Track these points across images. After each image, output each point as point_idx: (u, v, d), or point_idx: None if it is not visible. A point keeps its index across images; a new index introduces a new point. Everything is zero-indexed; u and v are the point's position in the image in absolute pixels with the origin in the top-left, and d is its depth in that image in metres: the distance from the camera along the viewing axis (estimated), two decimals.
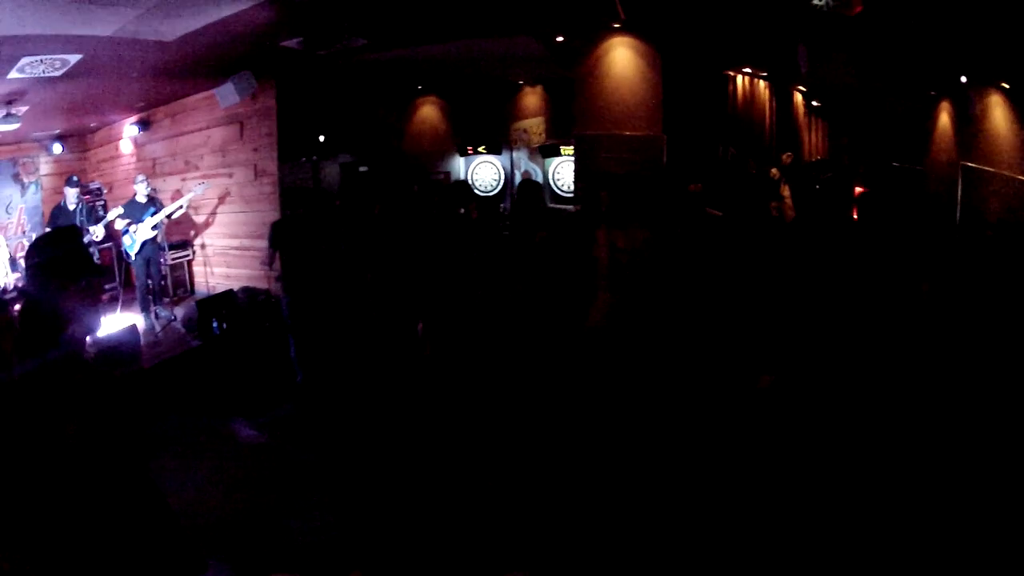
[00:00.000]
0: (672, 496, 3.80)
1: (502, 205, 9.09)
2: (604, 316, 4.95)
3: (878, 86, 10.31)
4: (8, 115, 7.60)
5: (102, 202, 10.21)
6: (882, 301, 4.04)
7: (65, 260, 2.34)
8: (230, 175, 8.80)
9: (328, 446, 5.41)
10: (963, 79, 8.77)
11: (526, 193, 6.83)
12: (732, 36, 7.88)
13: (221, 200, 8.96)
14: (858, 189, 8.55)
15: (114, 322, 8.19)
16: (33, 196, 11.35)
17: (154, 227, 8.31)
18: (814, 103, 11.70)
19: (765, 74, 10.02)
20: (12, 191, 11.14)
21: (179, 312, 8.47)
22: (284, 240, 6.75)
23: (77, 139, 11.67)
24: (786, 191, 8.71)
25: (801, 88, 11.13)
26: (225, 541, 4.08)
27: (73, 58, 6.15)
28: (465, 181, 8.06)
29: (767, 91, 10.15)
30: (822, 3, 6.16)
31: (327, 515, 4.25)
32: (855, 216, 8.36)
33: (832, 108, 12.00)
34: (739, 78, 9.59)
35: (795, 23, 7.14)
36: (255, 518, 4.37)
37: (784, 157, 9.53)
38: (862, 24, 6.74)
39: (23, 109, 7.83)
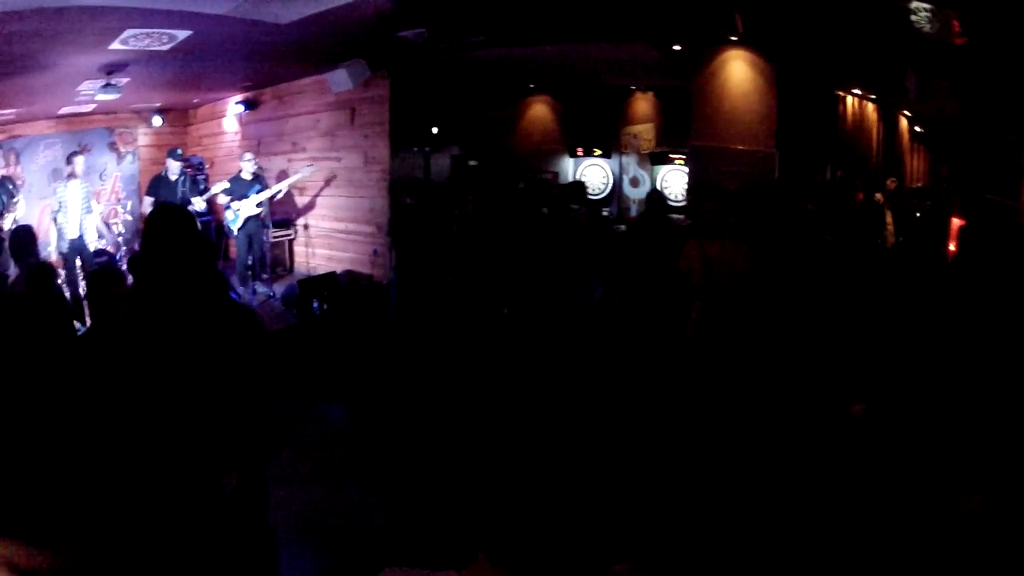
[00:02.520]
0: (760, 510, 3.73)
1: (607, 209, 9.05)
2: (696, 331, 4.90)
3: (980, 117, 10.09)
4: (108, 85, 7.67)
5: (203, 176, 10.40)
6: (983, 339, 3.93)
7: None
8: (338, 159, 8.89)
9: (417, 432, 5.32)
10: None
11: (653, 207, 6.81)
12: (845, 56, 7.75)
13: (328, 184, 9.06)
14: (956, 221, 8.38)
15: None
16: (130, 165, 11.56)
17: (258, 204, 8.42)
18: (917, 129, 11.47)
19: (874, 96, 9.84)
20: (108, 159, 11.37)
21: (278, 289, 8.56)
22: (401, 232, 6.79)
23: (178, 113, 11.89)
24: (889, 217, 8.57)
25: (906, 113, 10.91)
26: (316, 529, 4.09)
27: (181, 34, 6.11)
28: (581, 182, 8.02)
29: (875, 114, 9.97)
30: (928, 30, 6.05)
31: (423, 501, 4.22)
32: (953, 247, 8.21)
33: (934, 136, 11.76)
34: (849, 99, 9.43)
35: (905, 47, 7.00)
36: (340, 505, 4.36)
37: (889, 182, 9.35)
38: (967, 54, 6.62)
39: (124, 80, 7.90)
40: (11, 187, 8.51)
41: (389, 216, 7.95)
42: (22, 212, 8.29)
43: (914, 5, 5.47)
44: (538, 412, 5.07)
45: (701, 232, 5.23)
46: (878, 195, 8.79)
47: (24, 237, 6.75)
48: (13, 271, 7.89)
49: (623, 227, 7.87)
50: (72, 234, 8.34)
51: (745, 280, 4.87)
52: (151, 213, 2.75)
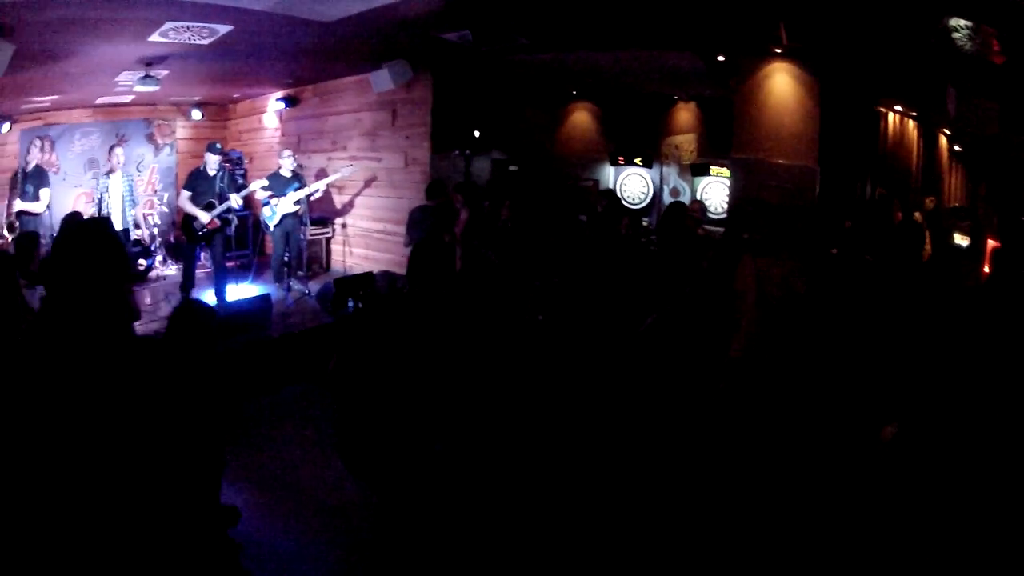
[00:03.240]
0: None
1: (646, 219, 9.03)
2: (745, 348, 4.79)
3: (1019, 136, 10.02)
4: (147, 77, 7.71)
5: (242, 171, 10.48)
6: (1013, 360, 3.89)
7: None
8: (379, 160, 8.93)
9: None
10: None
11: (673, 216, 6.78)
12: (887, 72, 7.70)
13: (368, 184, 9.10)
14: (991, 242, 8.31)
15: (245, 289, 8.36)
16: (167, 158, 11.68)
17: (296, 202, 8.44)
18: (956, 147, 11.39)
19: (915, 114, 9.78)
20: (145, 150, 11.51)
21: (313, 287, 8.59)
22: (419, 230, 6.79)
23: (218, 107, 12.00)
24: (927, 236, 8.50)
25: (946, 131, 10.85)
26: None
27: (223, 28, 6.14)
28: (611, 191, 8.02)
29: (916, 132, 9.90)
30: (967, 48, 6.01)
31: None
32: (987, 269, 8.13)
33: (973, 155, 11.68)
34: (890, 116, 9.38)
35: (946, 65, 6.96)
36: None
37: (928, 201, 9.29)
38: (1007, 73, 6.57)
39: (163, 73, 7.95)
40: (42, 177, 8.66)
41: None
42: (44, 205, 8.39)
43: (953, 23, 5.44)
44: (565, 421, 5.08)
45: (753, 248, 5.20)
46: (917, 214, 8.73)
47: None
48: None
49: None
50: (116, 226, 8.40)
51: (797, 298, 4.85)
52: (65, 227, 2.50)
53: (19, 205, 8.12)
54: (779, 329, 4.72)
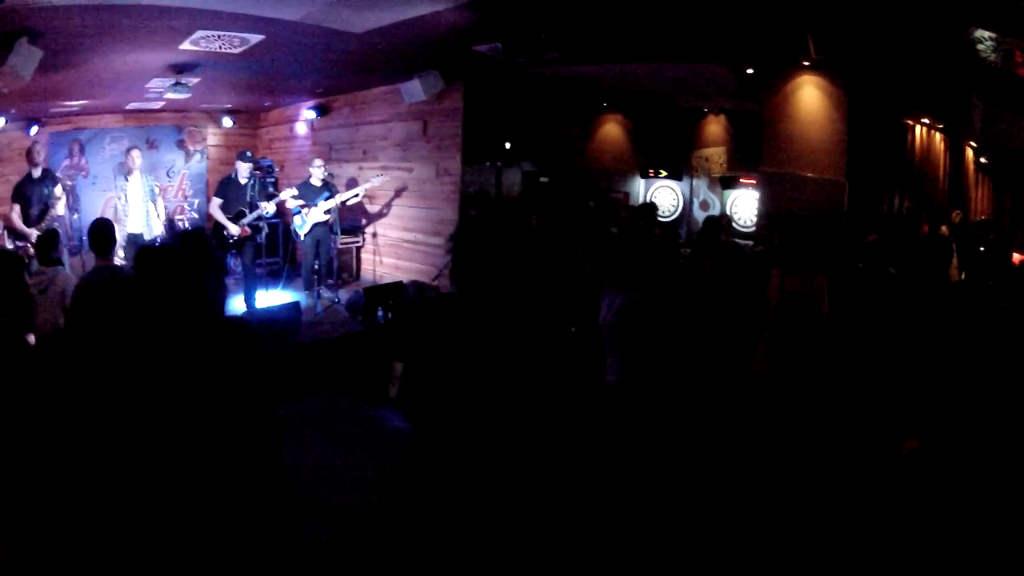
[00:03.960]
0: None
1: (678, 232, 9.07)
2: (768, 363, 4.80)
3: None
4: (177, 84, 7.79)
5: (273, 179, 10.54)
6: None
7: None
8: (410, 170, 9.00)
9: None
10: None
11: (708, 229, 6.84)
12: (914, 84, 7.72)
13: (398, 193, 9.17)
14: (1017, 256, 8.28)
15: (275, 297, 8.45)
16: (198, 164, 11.84)
17: (327, 211, 8.51)
18: (982, 160, 11.38)
19: (942, 126, 9.78)
20: (175, 156, 11.67)
21: (343, 295, 8.68)
22: (461, 242, 6.85)
23: (249, 114, 12.13)
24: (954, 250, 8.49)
25: (972, 144, 10.84)
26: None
27: (254, 38, 6.18)
28: (653, 204, 8.04)
29: (943, 144, 9.90)
30: (992, 59, 6.02)
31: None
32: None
33: (999, 167, 11.66)
34: (917, 128, 9.38)
35: (971, 77, 6.98)
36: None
37: (954, 215, 9.29)
38: None
39: (194, 80, 8.02)
40: (53, 184, 8.30)
41: (455, 226, 8.03)
42: (62, 209, 8.27)
43: (978, 34, 5.47)
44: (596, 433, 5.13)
45: (780, 262, 5.23)
46: (943, 228, 8.73)
47: (107, 230, 6.58)
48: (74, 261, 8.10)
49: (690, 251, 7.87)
50: (134, 228, 8.37)
51: (822, 314, 4.88)
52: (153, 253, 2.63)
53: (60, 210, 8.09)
54: (805, 344, 4.73)
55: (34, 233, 7.65)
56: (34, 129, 10.02)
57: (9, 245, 8.06)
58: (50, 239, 5.47)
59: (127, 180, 8.60)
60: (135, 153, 8.78)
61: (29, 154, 8.02)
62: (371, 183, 8.81)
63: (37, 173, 7.95)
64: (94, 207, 10.57)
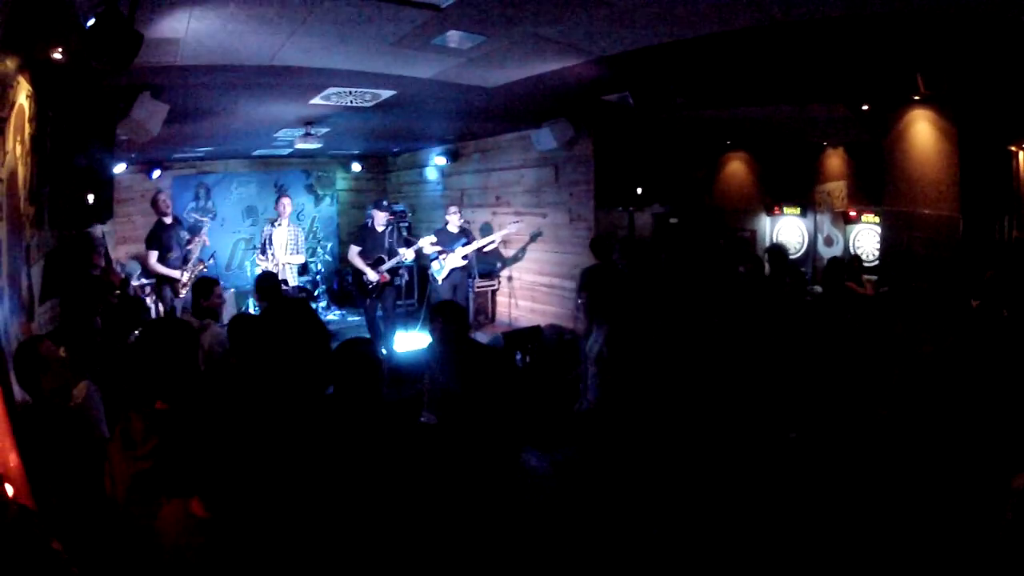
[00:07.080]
0: None
1: (804, 269, 9.16)
2: (893, 406, 4.79)
3: None
4: (307, 135, 8.15)
5: (405, 224, 10.97)
6: None
7: None
8: (543, 215, 9.25)
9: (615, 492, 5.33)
10: None
11: (832, 272, 6.99)
12: (1019, 110, 7.68)
13: (533, 238, 9.40)
14: None
15: (412, 339, 8.82)
16: (328, 208, 12.43)
17: (464, 256, 8.85)
18: None
19: None
20: (305, 200, 12.21)
21: (480, 338, 8.83)
22: (592, 286, 7.11)
23: (377, 159, 12.58)
24: None
25: None
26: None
27: (385, 93, 6.41)
28: (782, 246, 8.17)
29: None
30: None
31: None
32: None
33: None
34: (1021, 154, 9.26)
35: None
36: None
37: None
38: None
39: (324, 131, 8.36)
40: (185, 229, 8.73)
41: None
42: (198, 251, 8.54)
43: None
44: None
45: (902, 300, 5.27)
46: None
47: (273, 280, 6.82)
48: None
49: (818, 288, 7.98)
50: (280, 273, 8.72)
51: (948, 352, 4.75)
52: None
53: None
54: (927, 387, 4.68)
55: (182, 273, 8.15)
56: (156, 173, 10.45)
57: (135, 282, 8.62)
58: (204, 287, 5.16)
59: (274, 227, 9.11)
60: (285, 201, 9.29)
61: (155, 204, 8.46)
62: (508, 229, 9.11)
63: (168, 220, 8.40)
64: (224, 248, 11.17)
